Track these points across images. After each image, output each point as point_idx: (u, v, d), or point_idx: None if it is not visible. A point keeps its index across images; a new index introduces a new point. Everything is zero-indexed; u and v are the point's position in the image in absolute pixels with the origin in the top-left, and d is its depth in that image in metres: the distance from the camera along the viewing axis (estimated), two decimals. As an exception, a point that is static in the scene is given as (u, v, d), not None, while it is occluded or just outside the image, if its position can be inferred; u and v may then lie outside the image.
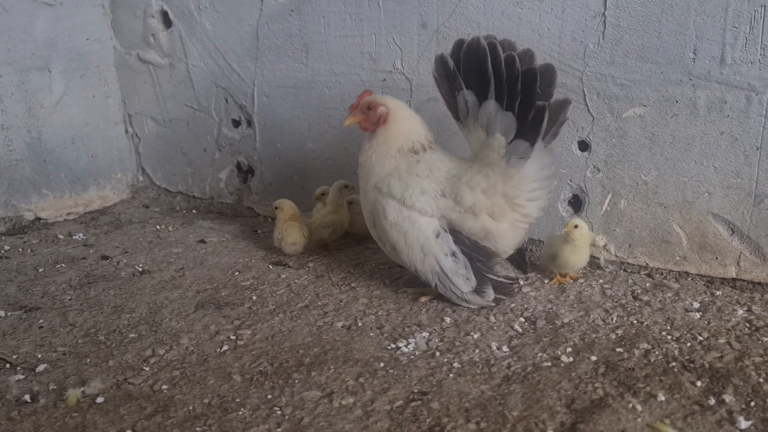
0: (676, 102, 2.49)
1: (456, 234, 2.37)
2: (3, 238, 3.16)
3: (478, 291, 2.34)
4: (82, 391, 1.85)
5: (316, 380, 1.92)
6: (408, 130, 2.40)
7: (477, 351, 2.09)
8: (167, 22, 3.54)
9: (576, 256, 2.54)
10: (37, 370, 1.97)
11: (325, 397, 1.84)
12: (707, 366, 1.99)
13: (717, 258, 2.56)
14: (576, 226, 2.52)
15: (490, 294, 2.35)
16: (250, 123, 3.45)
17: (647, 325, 2.25)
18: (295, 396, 1.84)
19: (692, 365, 1.99)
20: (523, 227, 2.42)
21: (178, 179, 3.77)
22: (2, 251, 3.00)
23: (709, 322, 2.26)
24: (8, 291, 2.54)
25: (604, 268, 2.72)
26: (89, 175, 3.63)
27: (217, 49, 3.42)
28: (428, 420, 1.73)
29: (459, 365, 2.01)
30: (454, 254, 2.34)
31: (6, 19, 3.20)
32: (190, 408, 1.79)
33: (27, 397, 1.82)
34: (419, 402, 1.81)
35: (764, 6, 2.31)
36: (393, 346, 2.12)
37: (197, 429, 1.69)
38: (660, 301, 2.43)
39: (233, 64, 3.40)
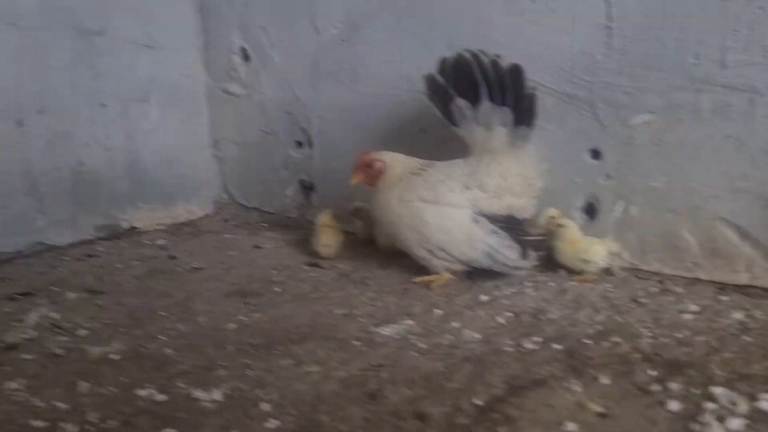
0: (682, 107, 2.53)
1: (488, 216, 2.65)
2: (100, 242, 3.71)
3: (524, 254, 2.65)
4: (104, 351, 2.22)
5: (293, 352, 2.17)
6: (402, 168, 2.75)
7: (448, 336, 2.24)
8: (246, 56, 4.02)
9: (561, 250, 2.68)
10: (78, 333, 2.38)
11: (295, 365, 2.08)
12: (671, 359, 2.00)
13: (728, 264, 2.52)
14: (552, 217, 2.66)
15: (532, 254, 2.69)
16: (310, 143, 3.81)
17: (630, 323, 2.28)
18: (270, 362, 2.10)
19: (656, 357, 2.02)
20: (535, 199, 2.71)
21: (252, 196, 4.20)
22: (96, 251, 3.54)
23: (697, 323, 2.24)
24: (85, 280, 3.02)
25: (617, 275, 2.74)
26: (178, 192, 4.15)
27: (284, 78, 3.84)
28: (372, 386, 1.91)
29: (425, 346, 2.17)
30: (495, 232, 2.62)
31: (114, 60, 3.81)
32: (181, 366, 2.09)
33: (62, 352, 2.22)
34: (372, 372, 2.00)
35: (763, 8, 2.32)
36: (375, 330, 2.32)
37: (179, 380, 1.99)
38: (658, 304, 2.43)
39: (296, 91, 3.79)
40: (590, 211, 2.83)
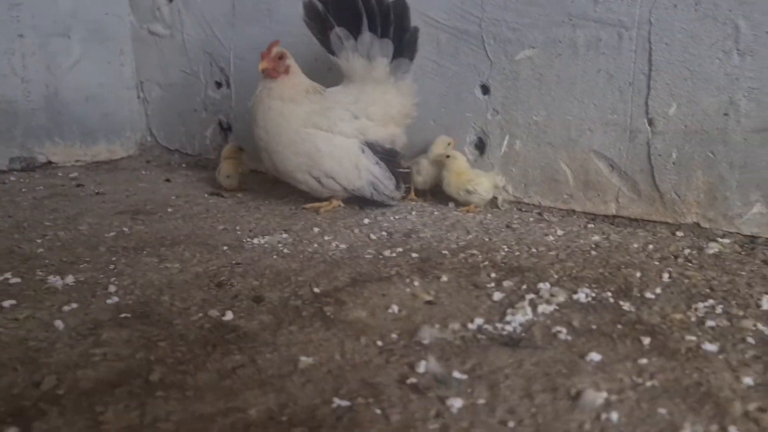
0: (560, 42, 2.61)
1: (371, 146, 2.74)
2: (14, 173, 3.72)
3: (397, 186, 2.79)
4: (-22, 247, 2.26)
5: (161, 253, 2.23)
6: (305, 79, 2.76)
7: (316, 246, 2.31)
8: (169, -3, 4.03)
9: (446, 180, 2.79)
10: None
11: (159, 262, 2.14)
12: (516, 266, 2.10)
13: (599, 195, 2.62)
14: (449, 144, 2.81)
15: (402, 186, 2.83)
16: (228, 84, 3.85)
17: (494, 241, 2.38)
18: (135, 260, 2.16)
19: (503, 265, 2.11)
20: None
21: (175, 138, 4.23)
22: (6, 181, 3.55)
23: (556, 243, 2.35)
24: (-15, 199, 3.05)
25: (501, 207, 2.83)
26: (100, 131, 4.17)
27: (204, 18, 3.86)
28: (222, 278, 1.98)
29: (288, 252, 2.24)
30: (377, 163, 2.72)
31: (31, -11, 3.81)
32: (47, 261, 2.14)
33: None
34: (228, 268, 2.07)
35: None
36: (248, 240, 2.38)
37: (39, 270, 2.04)
38: (528, 229, 2.53)
39: (216, 31, 3.82)
40: (480, 146, 2.91)
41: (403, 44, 2.68)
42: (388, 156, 2.78)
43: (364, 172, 2.72)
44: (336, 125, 2.70)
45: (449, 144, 2.85)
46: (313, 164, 2.69)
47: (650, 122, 2.45)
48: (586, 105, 2.60)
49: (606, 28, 2.49)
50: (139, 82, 4.33)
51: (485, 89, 2.85)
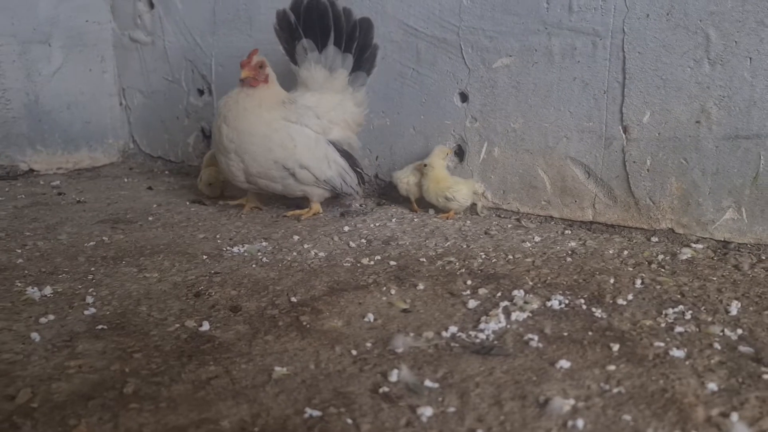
0: (536, 51, 2.65)
1: (333, 144, 2.84)
2: (-6, 181, 3.72)
3: (360, 182, 2.93)
4: (-45, 258, 2.25)
5: (140, 262, 2.24)
6: (281, 89, 2.82)
7: (294, 254, 2.33)
8: (150, 4, 4.04)
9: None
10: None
11: (138, 272, 2.15)
12: (492, 273, 2.13)
13: (576, 201, 2.66)
14: (425, 165, 2.77)
15: (363, 183, 2.99)
16: (210, 91, 3.86)
17: (471, 248, 2.40)
18: (114, 270, 2.17)
19: (479, 272, 2.14)
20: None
21: (158, 145, 4.23)
22: (-13, 190, 3.54)
23: (533, 249, 2.38)
24: (-36, 208, 3.04)
25: (480, 214, 2.86)
26: (82, 139, 4.16)
27: (186, 26, 3.87)
28: (201, 287, 2.00)
29: (267, 261, 2.26)
30: (342, 156, 2.83)
31: (11, -2, 3.80)
32: (25, 272, 2.15)
33: None
34: (206, 277, 2.09)
35: (605, -45, 2.44)
36: (228, 248, 2.40)
37: (18, 281, 2.05)
38: (506, 236, 2.56)
39: (197, 39, 3.83)
40: (459, 153, 2.94)
41: (363, 59, 2.83)
42: (346, 156, 2.87)
43: (333, 163, 2.80)
44: (304, 118, 2.76)
45: (447, 154, 2.87)
46: (288, 155, 2.70)
47: (625, 129, 2.49)
48: (562, 112, 2.63)
49: (581, 36, 2.52)
50: (121, 89, 4.33)
51: (464, 97, 2.88)
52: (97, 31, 4.17)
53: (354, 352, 1.56)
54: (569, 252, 2.33)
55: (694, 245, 2.35)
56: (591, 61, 2.52)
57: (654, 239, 2.45)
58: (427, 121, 2.99)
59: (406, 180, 2.91)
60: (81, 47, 4.11)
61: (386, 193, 3.14)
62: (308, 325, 1.72)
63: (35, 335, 1.64)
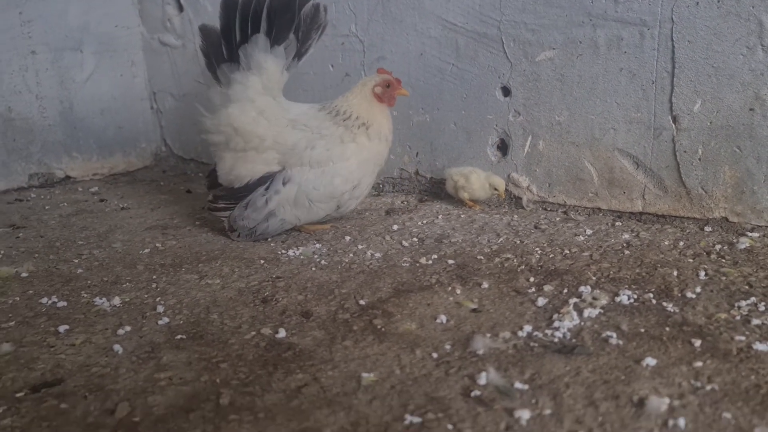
0: (580, 43, 2.63)
1: None
2: (34, 189, 3.74)
3: None
4: (16, 270, 2.28)
5: (199, 269, 2.25)
6: None
7: (351, 255, 2.34)
8: (180, 7, 4.04)
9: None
10: (-6, 258, 2.44)
11: (198, 279, 2.16)
12: (553, 268, 2.13)
13: (624, 192, 2.65)
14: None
15: None
16: (243, 92, 3.85)
17: (525, 243, 2.40)
18: (175, 277, 2.18)
19: (539, 268, 2.14)
20: None
21: (190, 148, 4.24)
22: (29, 198, 3.57)
23: (587, 242, 2.37)
24: (10, 218, 3.06)
25: (526, 207, 2.86)
26: (116, 143, 4.18)
27: (216, 28, 3.87)
28: (266, 293, 2.01)
29: (326, 263, 2.27)
30: None
31: (42, 5, 3.82)
32: (88, 282, 2.17)
33: (-25, 272, 2.28)
34: (269, 282, 2.10)
35: (651, -57, 2.42)
36: (283, 252, 2.41)
37: (84, 292, 2.07)
38: (557, 230, 2.56)
39: (228, 40, 3.82)
40: (503, 147, 2.93)
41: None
42: None
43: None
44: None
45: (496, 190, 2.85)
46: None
47: (675, 119, 2.48)
48: (608, 104, 2.62)
49: (627, 27, 2.51)
50: (152, 93, 4.34)
51: (506, 91, 2.87)
52: (126, 35, 4.18)
53: (435, 355, 1.57)
54: (625, 244, 2.33)
55: (750, 234, 2.34)
56: (638, 51, 2.50)
57: (707, 229, 2.44)
58: (468, 117, 2.98)
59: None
60: (111, 53, 4.12)
61: (427, 189, 3.14)
62: (383, 329, 1.72)
63: (118, 347, 1.66)
